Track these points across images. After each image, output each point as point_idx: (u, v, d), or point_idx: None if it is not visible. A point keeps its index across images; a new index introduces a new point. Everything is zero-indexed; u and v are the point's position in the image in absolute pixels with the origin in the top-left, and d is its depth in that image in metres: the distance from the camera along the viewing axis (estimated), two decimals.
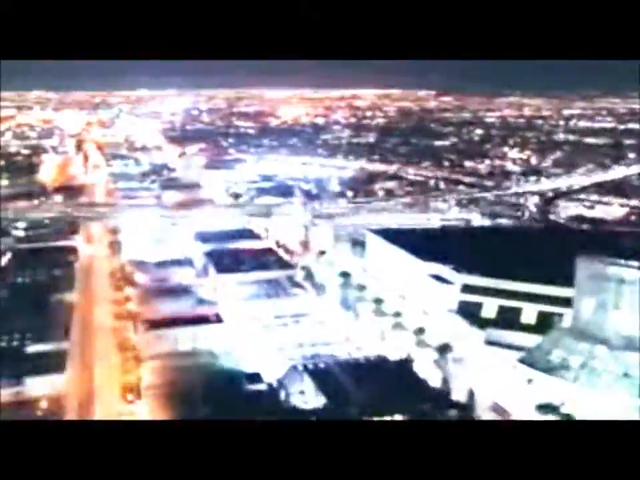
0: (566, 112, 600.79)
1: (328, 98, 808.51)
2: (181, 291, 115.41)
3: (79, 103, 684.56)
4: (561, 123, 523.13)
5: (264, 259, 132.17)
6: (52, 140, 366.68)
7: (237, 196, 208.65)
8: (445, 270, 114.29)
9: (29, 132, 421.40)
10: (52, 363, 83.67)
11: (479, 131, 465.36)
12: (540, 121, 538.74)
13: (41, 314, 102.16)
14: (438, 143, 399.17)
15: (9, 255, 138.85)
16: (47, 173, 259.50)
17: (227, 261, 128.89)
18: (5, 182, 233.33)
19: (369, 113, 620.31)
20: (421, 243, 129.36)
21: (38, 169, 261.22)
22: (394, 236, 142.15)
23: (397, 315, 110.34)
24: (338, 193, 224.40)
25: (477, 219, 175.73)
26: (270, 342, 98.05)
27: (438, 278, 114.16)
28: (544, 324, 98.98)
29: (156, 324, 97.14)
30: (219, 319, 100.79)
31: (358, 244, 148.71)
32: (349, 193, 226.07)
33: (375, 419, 67.54)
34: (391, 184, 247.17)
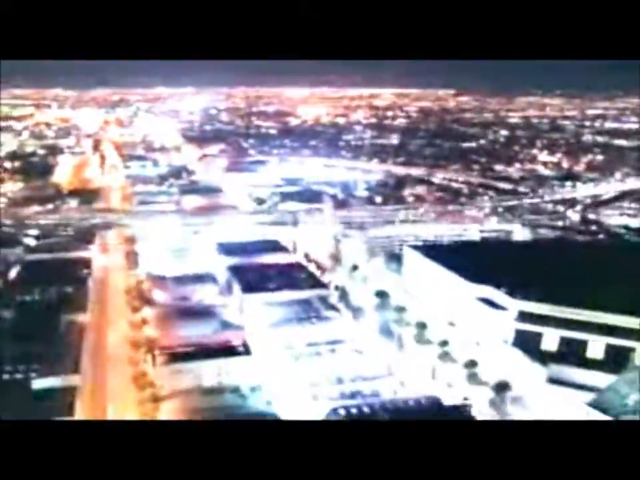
0: (589, 112, 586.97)
1: (347, 97, 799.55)
2: (203, 313, 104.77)
3: (97, 101, 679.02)
4: (587, 123, 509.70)
5: (293, 276, 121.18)
6: (68, 140, 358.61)
7: (260, 201, 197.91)
8: (496, 293, 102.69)
9: (47, 131, 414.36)
10: (60, 405, 73.18)
11: (504, 132, 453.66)
12: (565, 122, 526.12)
13: (49, 339, 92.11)
14: (464, 144, 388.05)
15: (17, 268, 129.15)
16: (63, 175, 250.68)
17: (252, 277, 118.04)
18: (19, 184, 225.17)
19: (389, 113, 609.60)
20: (463, 260, 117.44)
21: (53, 171, 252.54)
22: (432, 251, 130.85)
23: (444, 343, 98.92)
24: (366, 199, 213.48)
25: (518, 230, 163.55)
26: (304, 376, 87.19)
27: (489, 302, 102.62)
28: (613, 360, 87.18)
29: (177, 355, 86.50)
30: (246, 350, 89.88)
31: (393, 258, 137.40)
32: (378, 199, 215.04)
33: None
34: (420, 189, 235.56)
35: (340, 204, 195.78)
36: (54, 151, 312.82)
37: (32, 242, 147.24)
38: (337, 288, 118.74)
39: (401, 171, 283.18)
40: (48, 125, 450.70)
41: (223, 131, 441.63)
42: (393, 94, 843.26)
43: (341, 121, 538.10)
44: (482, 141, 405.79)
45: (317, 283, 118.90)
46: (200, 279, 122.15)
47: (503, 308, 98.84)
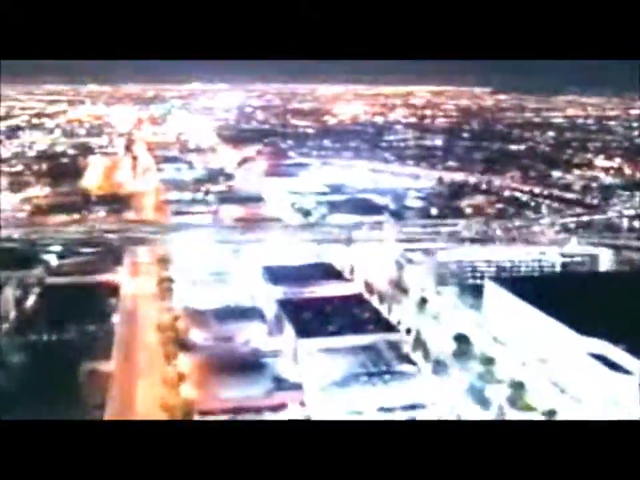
0: (633, 112, 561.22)
1: (382, 94, 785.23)
2: (251, 365, 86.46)
3: (131, 97, 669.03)
4: (635, 124, 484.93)
5: (354, 313, 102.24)
6: (101, 139, 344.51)
7: (306, 212, 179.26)
8: (612, 350, 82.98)
9: (79, 128, 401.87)
10: None
11: (551, 134, 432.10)
12: (610, 122, 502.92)
13: (64, 399, 74.59)
14: (511, 147, 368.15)
15: (35, 294, 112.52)
16: (92, 178, 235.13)
17: (306, 316, 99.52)
18: (46, 189, 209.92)
19: (428, 112, 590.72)
20: (555, 297, 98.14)
21: (83, 174, 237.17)
22: (516, 284, 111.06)
23: (551, 413, 79.06)
24: (420, 210, 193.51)
25: (604, 254, 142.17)
26: None
27: (604, 361, 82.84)
28: None
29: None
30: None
31: (468, 290, 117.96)
32: (433, 210, 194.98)
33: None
34: (478, 199, 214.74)
35: (392, 216, 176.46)
36: (85, 150, 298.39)
37: (54, 260, 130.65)
38: (408, 331, 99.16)
39: (452, 176, 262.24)
40: (80, 122, 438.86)
41: (259, 130, 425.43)
42: (428, 92, 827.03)
43: (380, 120, 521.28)
44: (530, 143, 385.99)
45: (383, 324, 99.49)
46: (245, 314, 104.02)
47: (626, 371, 79.02)
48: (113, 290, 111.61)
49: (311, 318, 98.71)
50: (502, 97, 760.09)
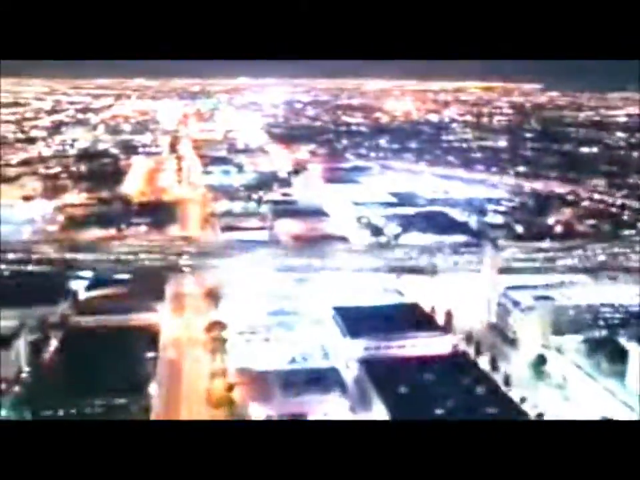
0: None
1: (430, 90, 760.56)
2: None
3: (177, 92, 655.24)
4: None
5: (464, 385, 77.64)
6: (145, 136, 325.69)
7: (376, 231, 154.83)
8: None
9: (123, 124, 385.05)
10: None
11: (620, 134, 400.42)
12: None
13: None
14: (584, 149, 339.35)
15: (57, 338, 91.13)
16: (134, 182, 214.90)
17: (403, 390, 75.54)
18: (83, 195, 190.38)
19: (483, 110, 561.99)
20: None
21: (123, 178, 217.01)
22: None
23: None
24: (504, 228, 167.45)
25: None
26: None
27: None
28: None
29: None
30: None
31: (598, 348, 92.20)
32: (518, 228, 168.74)
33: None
34: (567, 213, 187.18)
35: (475, 236, 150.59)
36: (128, 150, 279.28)
37: (82, 290, 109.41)
38: (540, 417, 74.04)
39: (529, 185, 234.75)
40: (126, 118, 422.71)
41: (310, 127, 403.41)
42: (477, 88, 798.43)
43: (434, 117, 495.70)
44: (601, 145, 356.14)
45: (504, 403, 74.66)
46: (319, 380, 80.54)
47: None
48: (151, 338, 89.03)
49: (408, 393, 74.65)
50: (554, 93, 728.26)
